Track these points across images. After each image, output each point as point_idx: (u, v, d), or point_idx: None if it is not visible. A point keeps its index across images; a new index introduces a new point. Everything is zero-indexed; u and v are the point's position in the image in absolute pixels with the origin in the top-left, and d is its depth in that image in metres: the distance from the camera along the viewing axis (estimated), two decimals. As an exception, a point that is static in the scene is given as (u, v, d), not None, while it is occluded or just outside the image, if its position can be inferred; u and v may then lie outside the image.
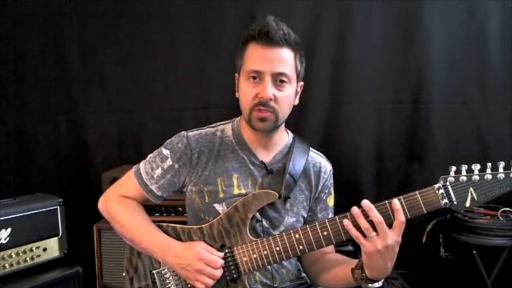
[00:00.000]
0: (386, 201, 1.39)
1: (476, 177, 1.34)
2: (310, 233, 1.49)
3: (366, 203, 1.38)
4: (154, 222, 1.70)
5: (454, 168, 1.36)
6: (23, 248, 2.40)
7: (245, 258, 1.56)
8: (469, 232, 2.44)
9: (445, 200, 1.36)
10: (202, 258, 1.51)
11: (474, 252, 2.44)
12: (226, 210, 1.61)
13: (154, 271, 1.67)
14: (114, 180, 2.53)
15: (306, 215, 1.76)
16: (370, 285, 1.49)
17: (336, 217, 1.46)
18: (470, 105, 2.78)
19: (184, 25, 2.97)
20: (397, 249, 1.39)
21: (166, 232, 1.66)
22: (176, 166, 1.67)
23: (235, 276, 1.57)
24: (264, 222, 1.66)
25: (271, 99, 1.54)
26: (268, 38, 1.52)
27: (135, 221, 1.67)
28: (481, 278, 2.44)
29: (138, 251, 1.70)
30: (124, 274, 1.76)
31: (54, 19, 3.04)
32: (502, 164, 1.33)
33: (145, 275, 1.70)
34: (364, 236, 1.38)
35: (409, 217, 1.38)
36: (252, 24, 1.58)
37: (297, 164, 1.69)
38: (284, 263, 1.71)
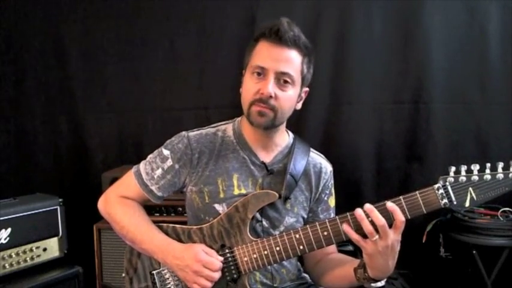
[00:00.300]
0: (386, 202, 1.40)
1: (475, 178, 1.34)
2: (310, 233, 1.49)
3: (368, 206, 1.39)
4: (154, 222, 1.70)
5: (453, 168, 1.37)
6: (23, 248, 2.40)
7: (245, 258, 1.56)
8: (469, 232, 2.43)
9: (445, 200, 1.36)
10: (200, 259, 1.51)
11: (474, 252, 2.43)
12: (227, 211, 1.61)
13: (154, 271, 1.67)
14: (114, 180, 2.53)
15: (305, 216, 1.76)
16: (373, 284, 1.49)
17: (337, 217, 1.47)
18: (470, 105, 2.78)
19: (184, 25, 2.97)
20: (398, 248, 1.40)
21: (166, 232, 1.66)
22: (176, 166, 1.67)
23: (235, 276, 1.57)
24: (264, 223, 1.66)
25: (271, 97, 1.54)
26: (277, 37, 1.52)
27: (135, 222, 1.67)
28: (481, 278, 2.44)
29: (138, 251, 1.70)
30: (124, 275, 1.76)
31: (54, 19, 3.04)
32: (501, 165, 1.34)
33: (145, 276, 1.70)
34: (364, 237, 1.38)
35: (409, 217, 1.39)
36: (264, 22, 1.59)
37: (298, 164, 1.69)
38: (284, 263, 1.71)
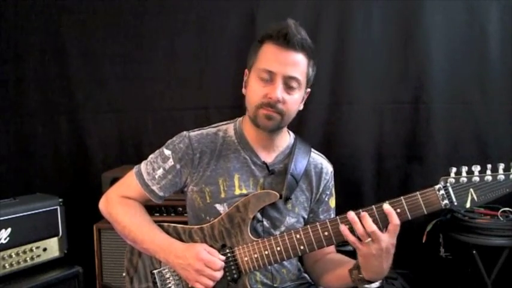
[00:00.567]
0: (387, 202, 1.41)
1: (476, 179, 1.35)
2: (311, 233, 1.50)
3: (362, 213, 1.40)
4: (154, 222, 1.70)
5: (454, 169, 1.37)
6: (23, 248, 2.41)
7: (246, 258, 1.57)
8: (469, 232, 2.43)
9: (446, 201, 1.37)
10: (202, 258, 1.51)
11: (474, 252, 2.43)
12: (228, 210, 1.62)
13: (154, 271, 1.68)
14: (114, 180, 2.54)
15: (306, 216, 1.76)
16: (367, 285, 1.51)
17: (337, 217, 1.47)
18: (470, 105, 2.78)
19: (184, 25, 2.97)
20: (392, 251, 1.41)
21: (167, 232, 1.67)
22: (178, 166, 1.67)
23: (235, 276, 1.57)
24: (265, 222, 1.66)
25: (279, 101, 1.54)
26: (285, 40, 1.52)
27: (136, 222, 1.67)
28: (481, 278, 2.44)
29: (139, 251, 1.70)
30: (124, 274, 1.76)
31: (54, 19, 3.04)
32: (502, 166, 1.34)
33: (145, 275, 1.70)
34: (360, 240, 1.40)
35: (409, 218, 1.39)
36: (271, 24, 1.58)
37: (299, 164, 1.69)
38: (285, 263, 1.72)
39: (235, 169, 1.66)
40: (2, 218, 2.32)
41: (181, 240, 1.65)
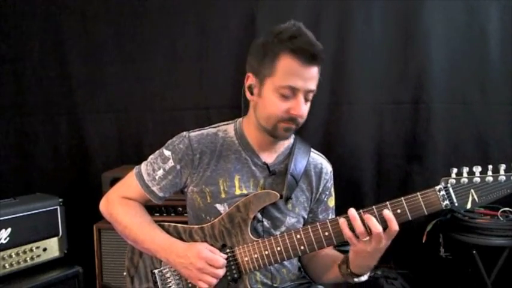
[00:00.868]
0: (387, 203, 1.41)
1: (477, 179, 1.34)
2: (311, 233, 1.50)
3: (366, 215, 1.40)
4: (155, 222, 1.70)
5: (455, 170, 1.37)
6: (23, 248, 2.41)
7: (246, 258, 1.57)
8: (469, 232, 2.44)
9: (446, 202, 1.36)
10: (203, 257, 1.51)
11: (474, 252, 2.44)
12: (228, 210, 1.61)
13: (155, 270, 1.68)
14: (114, 180, 2.55)
15: (306, 216, 1.76)
16: (356, 279, 1.53)
17: (338, 217, 1.47)
18: (470, 105, 2.78)
19: (184, 25, 2.97)
20: (383, 251, 1.43)
21: (167, 232, 1.67)
22: (178, 167, 1.67)
23: (236, 276, 1.57)
24: (265, 223, 1.66)
25: (302, 117, 1.55)
26: (309, 57, 1.48)
27: (137, 222, 1.67)
28: (481, 278, 2.44)
29: (140, 250, 1.70)
30: (125, 274, 1.76)
31: (54, 19, 3.04)
32: (503, 166, 1.34)
33: (146, 275, 1.71)
34: (357, 236, 1.40)
35: (410, 218, 1.39)
36: (284, 30, 1.51)
37: (299, 164, 1.69)
38: (285, 262, 1.71)
39: (236, 170, 1.66)
40: (2, 218, 2.32)
41: (181, 239, 1.64)
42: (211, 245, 1.59)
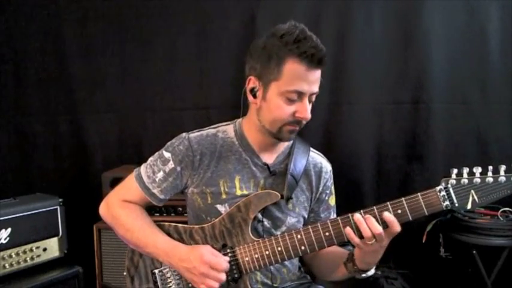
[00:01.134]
0: (388, 203, 1.42)
1: (477, 180, 1.35)
2: (312, 234, 1.50)
3: (366, 215, 1.42)
4: (154, 222, 1.70)
5: (455, 170, 1.38)
6: (23, 248, 2.41)
7: (247, 258, 1.57)
8: (469, 232, 2.44)
9: (447, 202, 1.37)
10: (207, 261, 1.51)
11: (474, 252, 2.44)
12: (229, 210, 1.62)
13: (155, 270, 1.68)
14: (114, 180, 2.55)
15: (306, 216, 1.76)
16: (363, 275, 1.55)
17: (338, 218, 1.48)
18: (470, 105, 2.78)
19: (184, 25, 2.97)
20: (386, 246, 1.45)
21: (168, 231, 1.67)
22: (178, 168, 1.66)
23: (236, 276, 1.57)
24: (266, 223, 1.66)
25: (307, 119, 1.56)
26: (315, 61, 1.48)
27: (138, 225, 1.66)
28: (481, 278, 2.44)
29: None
30: (125, 273, 1.76)
31: (54, 19, 3.04)
32: (503, 167, 1.34)
33: (146, 275, 1.71)
34: (361, 238, 1.42)
35: (410, 219, 1.40)
36: (287, 32, 1.50)
37: (298, 164, 1.69)
38: (285, 262, 1.71)
39: (236, 170, 1.66)
40: (2, 218, 2.32)
41: (182, 239, 1.65)
42: (212, 245, 1.60)
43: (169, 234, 1.66)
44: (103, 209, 1.75)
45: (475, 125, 2.78)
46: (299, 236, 1.52)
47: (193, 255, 1.54)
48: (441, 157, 2.78)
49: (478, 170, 1.36)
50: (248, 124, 1.69)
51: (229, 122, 1.77)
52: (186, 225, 1.67)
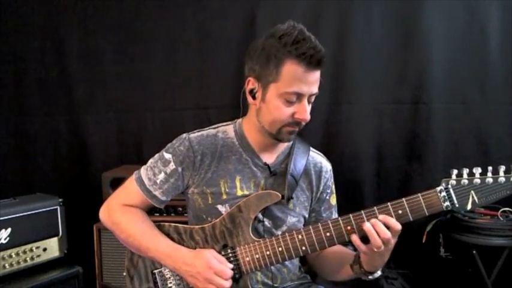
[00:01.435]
0: (389, 204, 1.42)
1: (477, 181, 1.36)
2: (313, 234, 1.51)
3: (373, 220, 1.42)
4: (154, 222, 1.70)
5: (455, 171, 1.38)
6: (23, 248, 2.41)
7: (247, 259, 1.57)
8: (469, 232, 2.43)
9: (447, 203, 1.38)
10: (212, 267, 1.51)
11: (474, 252, 2.43)
12: (229, 211, 1.62)
13: (155, 271, 1.68)
14: (114, 180, 2.55)
15: (307, 215, 1.76)
16: (370, 276, 1.55)
17: (339, 218, 1.48)
18: (470, 105, 2.78)
19: (184, 25, 2.97)
20: (392, 247, 1.45)
21: (168, 232, 1.67)
22: (179, 169, 1.66)
23: (237, 276, 1.57)
24: (267, 223, 1.66)
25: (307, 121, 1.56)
26: (313, 62, 1.48)
27: (139, 230, 1.65)
28: (481, 278, 2.44)
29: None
30: (124, 274, 1.76)
31: (54, 19, 3.03)
32: (502, 168, 1.35)
33: (146, 275, 1.70)
34: (365, 242, 1.42)
35: (411, 219, 1.41)
36: (285, 33, 1.49)
37: (298, 164, 1.69)
38: (286, 262, 1.71)
39: (237, 170, 1.66)
40: (2, 218, 2.32)
41: (182, 240, 1.65)
42: (212, 245, 1.60)
43: (169, 235, 1.66)
44: (103, 214, 1.74)
45: (475, 125, 2.78)
46: (300, 236, 1.52)
47: (197, 260, 1.53)
48: (441, 157, 2.78)
49: (477, 171, 1.37)
50: (248, 124, 1.69)
51: (229, 122, 1.77)
52: (186, 226, 1.67)
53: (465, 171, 1.37)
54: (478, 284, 2.47)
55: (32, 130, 3.12)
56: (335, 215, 1.82)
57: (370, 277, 1.55)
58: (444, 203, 1.38)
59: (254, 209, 1.59)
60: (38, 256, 2.47)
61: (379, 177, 2.87)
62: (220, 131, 1.72)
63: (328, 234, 1.48)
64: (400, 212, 1.40)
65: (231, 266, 1.55)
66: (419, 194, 1.40)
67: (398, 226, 1.39)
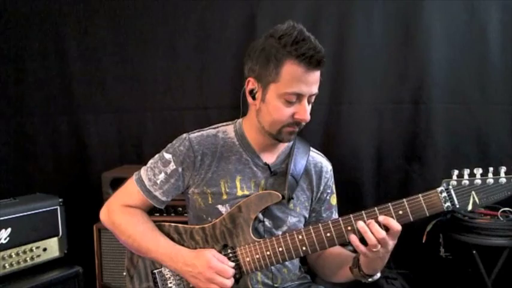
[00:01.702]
0: (389, 204, 1.42)
1: (478, 181, 1.36)
2: (313, 234, 1.51)
3: (368, 221, 1.42)
4: (154, 222, 1.70)
5: (456, 171, 1.38)
6: (23, 248, 2.41)
7: (248, 259, 1.57)
8: (469, 232, 2.44)
9: (448, 204, 1.38)
10: (213, 267, 1.51)
11: (474, 252, 2.44)
12: (230, 211, 1.62)
13: (155, 270, 1.68)
14: (114, 180, 2.55)
15: (307, 215, 1.76)
16: (370, 279, 1.55)
17: (340, 218, 1.48)
18: (470, 105, 2.78)
19: (184, 25, 2.96)
20: (391, 249, 1.45)
21: (168, 232, 1.67)
22: (180, 170, 1.66)
23: (237, 276, 1.57)
24: (267, 223, 1.66)
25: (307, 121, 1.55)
26: (313, 62, 1.47)
27: (140, 231, 1.65)
28: (481, 278, 2.44)
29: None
30: (124, 273, 1.76)
31: (54, 19, 3.02)
32: (503, 169, 1.35)
33: (146, 275, 1.70)
34: (365, 244, 1.42)
35: (411, 220, 1.41)
36: (285, 33, 1.49)
37: (298, 164, 1.70)
38: (286, 263, 1.71)
39: (237, 171, 1.66)
40: (2, 218, 2.32)
41: (182, 240, 1.65)
42: (212, 245, 1.60)
43: (169, 235, 1.66)
44: (104, 215, 1.73)
45: (475, 125, 2.79)
46: (300, 237, 1.52)
47: (198, 260, 1.53)
48: (441, 157, 2.78)
49: (478, 171, 1.37)
50: (248, 124, 1.69)
51: (229, 122, 1.77)
52: (186, 226, 1.67)
53: (466, 171, 1.37)
54: (478, 284, 2.47)
55: (32, 130, 3.11)
56: (335, 215, 1.82)
57: (370, 280, 1.55)
58: (445, 203, 1.38)
59: (254, 209, 1.59)
60: (38, 256, 2.47)
61: (379, 177, 2.87)
62: (220, 131, 1.71)
63: (328, 234, 1.48)
64: (400, 212, 1.40)
65: (232, 264, 1.55)
66: (420, 195, 1.40)
67: (398, 227, 1.39)
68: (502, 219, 2.45)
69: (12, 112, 3.10)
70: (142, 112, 3.08)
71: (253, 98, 1.60)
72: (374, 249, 1.40)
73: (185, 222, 1.72)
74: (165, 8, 2.96)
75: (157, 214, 2.49)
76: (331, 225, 1.48)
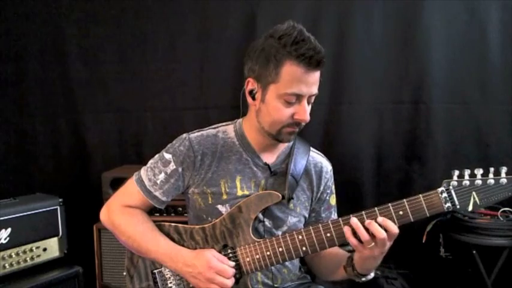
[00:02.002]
0: (389, 204, 1.42)
1: (479, 182, 1.35)
2: (313, 235, 1.50)
3: (368, 221, 1.41)
4: (154, 222, 1.70)
5: (457, 172, 1.38)
6: (23, 248, 2.41)
7: (248, 259, 1.57)
8: (469, 232, 2.44)
9: (448, 204, 1.37)
10: (213, 267, 1.51)
11: (474, 252, 2.44)
12: (230, 211, 1.61)
13: (155, 270, 1.68)
14: (114, 180, 2.55)
15: (307, 215, 1.76)
16: (363, 279, 1.56)
17: (340, 219, 1.48)
18: (470, 105, 2.79)
19: (184, 25, 2.97)
20: (386, 251, 1.45)
21: (168, 232, 1.66)
22: (180, 170, 1.65)
23: (237, 276, 1.57)
24: (267, 223, 1.66)
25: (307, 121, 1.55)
26: (313, 63, 1.47)
27: (139, 232, 1.64)
28: (481, 278, 2.45)
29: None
30: (125, 273, 1.76)
31: (54, 19, 3.03)
32: (504, 169, 1.35)
33: (146, 275, 1.70)
34: (360, 242, 1.42)
35: (412, 220, 1.41)
36: (285, 34, 1.48)
37: (298, 164, 1.69)
38: (286, 263, 1.71)
39: (237, 171, 1.66)
40: (2, 218, 2.32)
41: (182, 240, 1.65)
42: (212, 245, 1.60)
43: (169, 235, 1.66)
44: (104, 216, 1.73)
45: (475, 125, 2.79)
46: (300, 237, 1.52)
47: (198, 260, 1.53)
48: (441, 157, 2.79)
49: (479, 172, 1.36)
50: (248, 124, 1.69)
51: (229, 122, 1.77)
52: (186, 226, 1.67)
53: (466, 172, 1.37)
54: (478, 284, 2.47)
55: (32, 130, 3.11)
56: (334, 215, 1.82)
57: (363, 279, 1.55)
58: (445, 204, 1.37)
59: (254, 209, 1.59)
60: (38, 256, 2.47)
61: (379, 177, 2.87)
62: (220, 131, 1.71)
63: (328, 234, 1.48)
64: (401, 212, 1.40)
65: (232, 264, 1.55)
66: (420, 195, 1.39)
67: (395, 230, 1.39)
68: (502, 219, 2.45)
69: (12, 112, 3.10)
70: (142, 112, 3.08)
71: (253, 98, 1.59)
72: (368, 246, 1.40)
73: (185, 222, 1.72)
74: (165, 8, 2.96)
75: (157, 214, 2.50)
76: (331, 225, 1.48)
